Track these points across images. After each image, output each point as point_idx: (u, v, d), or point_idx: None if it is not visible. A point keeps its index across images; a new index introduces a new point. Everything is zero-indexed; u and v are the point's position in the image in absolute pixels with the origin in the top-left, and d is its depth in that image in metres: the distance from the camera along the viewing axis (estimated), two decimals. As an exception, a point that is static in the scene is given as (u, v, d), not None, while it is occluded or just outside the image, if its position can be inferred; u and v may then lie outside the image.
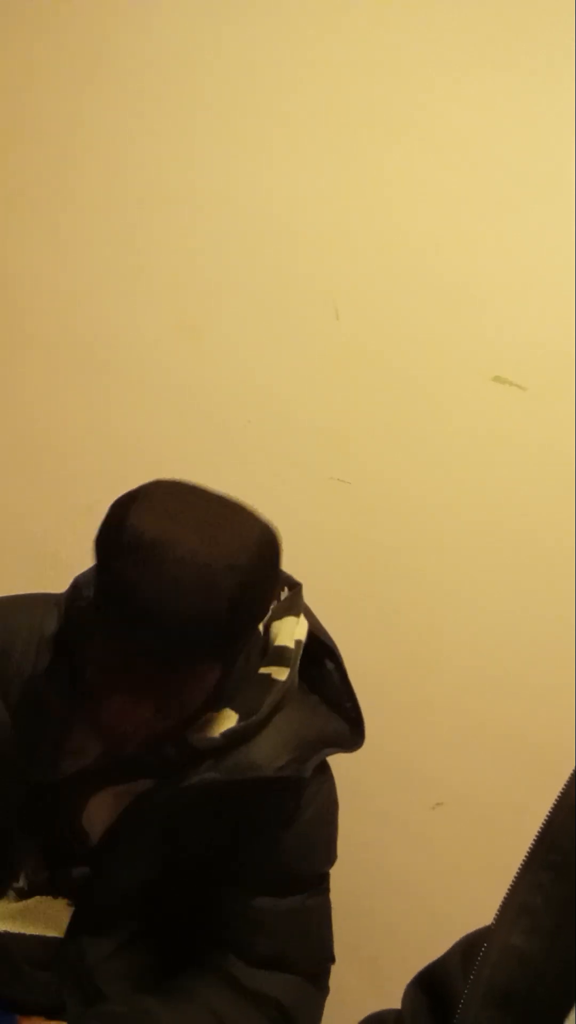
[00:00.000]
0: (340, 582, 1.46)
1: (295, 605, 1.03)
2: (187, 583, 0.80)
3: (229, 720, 0.95)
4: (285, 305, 1.48)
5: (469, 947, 0.65)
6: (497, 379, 1.41)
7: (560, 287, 1.40)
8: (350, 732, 1.03)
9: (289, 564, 1.35)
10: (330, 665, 1.04)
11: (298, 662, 0.99)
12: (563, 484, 1.39)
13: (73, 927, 1.02)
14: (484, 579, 1.42)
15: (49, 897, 1.03)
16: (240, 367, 1.49)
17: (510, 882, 0.54)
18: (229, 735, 0.94)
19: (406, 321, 1.44)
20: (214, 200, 1.50)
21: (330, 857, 1.08)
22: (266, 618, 1.03)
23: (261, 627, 1.02)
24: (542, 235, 1.40)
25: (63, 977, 1.02)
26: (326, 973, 1.07)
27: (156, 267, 1.52)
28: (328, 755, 1.01)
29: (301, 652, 1.00)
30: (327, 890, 1.07)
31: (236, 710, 0.96)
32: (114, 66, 1.53)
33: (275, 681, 0.97)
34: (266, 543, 0.89)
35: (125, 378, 1.53)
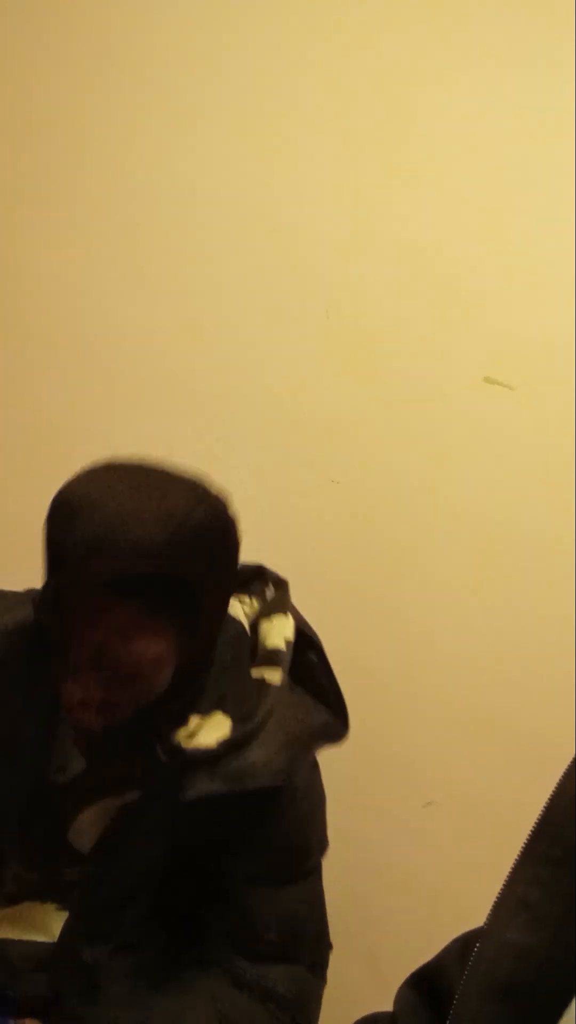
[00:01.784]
0: (333, 581, 1.46)
1: (283, 603, 1.03)
2: (121, 524, 0.81)
3: (222, 726, 0.94)
4: (278, 304, 1.48)
5: (465, 945, 0.65)
6: (488, 379, 1.42)
7: (551, 288, 1.41)
8: (336, 723, 1.03)
9: (282, 563, 1.36)
10: (313, 657, 1.04)
11: (289, 663, 0.98)
12: (554, 483, 1.40)
13: (67, 933, 1.01)
14: (477, 578, 1.43)
15: (37, 902, 1.03)
16: (233, 365, 1.50)
17: (504, 877, 0.54)
18: (226, 744, 0.92)
19: (398, 321, 1.45)
20: (214, 199, 1.50)
21: (322, 845, 1.07)
22: (253, 617, 1.02)
23: (247, 625, 1.01)
24: (534, 236, 1.41)
25: (59, 978, 1.02)
26: (325, 961, 1.08)
27: (155, 266, 1.52)
28: (319, 748, 1.02)
29: (292, 651, 0.99)
30: (320, 877, 1.08)
31: (228, 714, 0.94)
32: (116, 66, 1.53)
33: (268, 685, 0.96)
34: (209, 507, 0.88)
35: (123, 375, 1.53)
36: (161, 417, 1.52)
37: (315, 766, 1.07)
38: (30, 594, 1.01)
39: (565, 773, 0.52)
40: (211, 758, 0.92)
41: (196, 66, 1.50)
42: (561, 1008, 0.46)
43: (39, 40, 1.55)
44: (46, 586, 0.89)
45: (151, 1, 1.51)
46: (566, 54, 1.38)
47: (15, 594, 1.04)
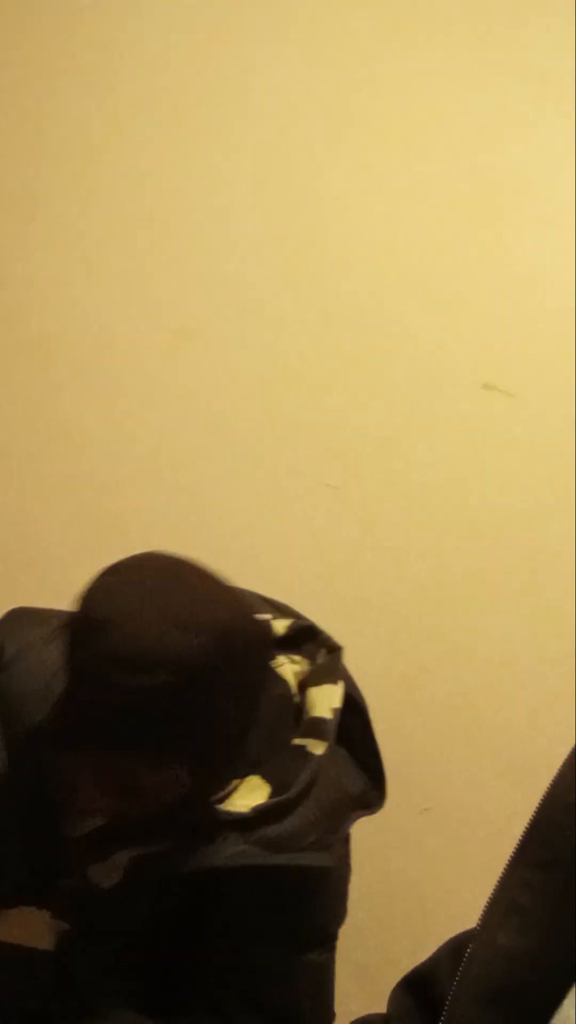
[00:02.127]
0: (330, 588, 1.46)
1: (333, 671, 0.98)
2: (120, 673, 0.78)
3: (259, 791, 0.90)
4: (276, 310, 1.49)
5: (457, 949, 0.65)
6: (487, 386, 1.42)
7: (550, 295, 1.41)
8: (373, 792, 1.00)
9: (279, 569, 1.36)
10: (357, 720, 1.00)
11: (335, 734, 0.95)
12: (553, 488, 1.40)
13: (65, 946, 1.00)
14: (475, 584, 1.43)
15: (32, 908, 1.02)
16: (231, 371, 1.50)
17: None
18: (260, 811, 0.88)
19: (397, 328, 1.45)
20: (213, 206, 1.51)
21: (341, 916, 1.04)
22: (301, 678, 0.99)
23: (296, 689, 0.98)
24: (533, 243, 1.42)
25: (51, 991, 1.01)
26: None
27: (153, 271, 1.52)
28: (355, 820, 0.98)
29: (338, 723, 0.95)
30: (334, 948, 1.04)
31: (267, 779, 0.91)
32: (115, 75, 1.54)
33: (311, 755, 0.92)
34: (229, 638, 0.83)
35: (119, 382, 1.53)
36: (160, 423, 1.52)
37: (347, 841, 1.04)
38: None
39: (555, 777, 0.52)
40: (243, 823, 0.89)
41: (194, 73, 1.51)
42: (551, 1012, 0.46)
43: (41, 52, 1.56)
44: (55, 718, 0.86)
45: (151, 17, 1.52)
46: (566, 63, 1.38)
47: (47, 627, 0.99)
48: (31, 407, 1.56)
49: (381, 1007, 0.73)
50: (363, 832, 1.45)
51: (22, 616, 1.02)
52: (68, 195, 1.55)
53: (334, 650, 1.01)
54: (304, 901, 0.96)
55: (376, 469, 1.46)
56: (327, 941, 1.02)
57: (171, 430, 1.52)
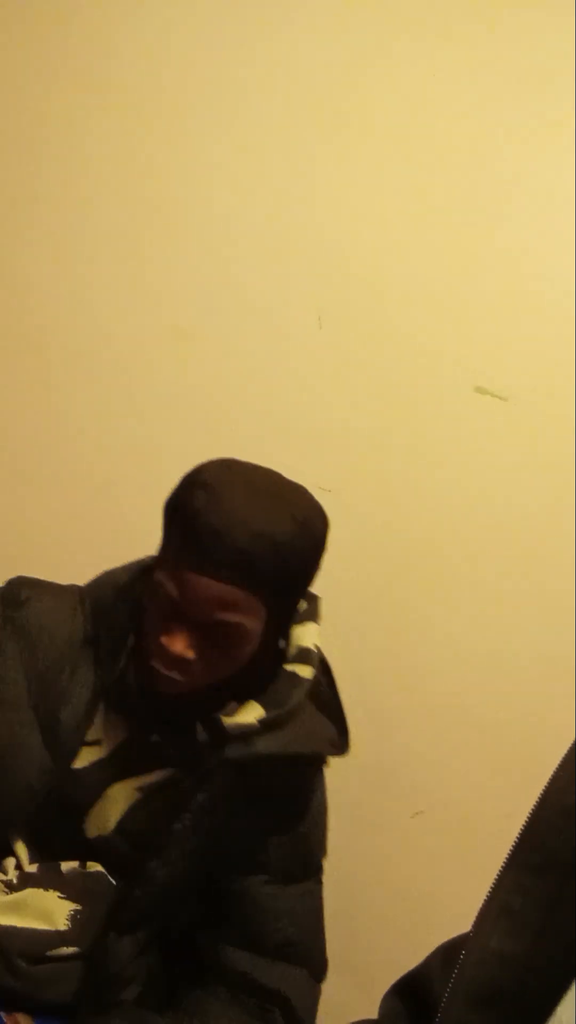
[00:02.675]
0: (323, 591, 1.46)
1: (315, 613, 1.08)
2: (257, 516, 0.91)
3: (255, 710, 1.00)
4: (270, 312, 1.49)
5: (449, 953, 0.65)
6: (479, 390, 1.43)
7: (544, 298, 1.41)
8: (340, 740, 1.08)
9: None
10: (322, 678, 1.08)
11: (319, 662, 1.06)
12: (547, 493, 1.40)
13: (106, 926, 1.03)
14: (470, 587, 1.43)
15: (40, 890, 1.03)
16: (225, 373, 1.50)
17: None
18: (265, 722, 0.99)
19: (390, 331, 1.45)
20: (206, 208, 1.51)
21: (325, 847, 1.14)
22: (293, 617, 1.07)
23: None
24: (528, 245, 1.42)
25: (84, 978, 1.03)
26: (325, 966, 1.12)
27: (148, 273, 1.52)
28: (327, 754, 1.08)
29: (320, 655, 1.06)
30: (321, 882, 1.12)
31: (261, 703, 1.00)
32: (112, 75, 1.54)
33: (301, 678, 1.03)
34: (322, 519, 0.98)
35: (115, 381, 1.53)
36: (153, 425, 1.52)
37: (322, 770, 1.12)
38: (76, 592, 1.08)
39: (550, 780, 0.52)
40: (248, 734, 0.99)
41: (191, 77, 1.51)
42: (543, 1016, 0.46)
43: (41, 49, 1.56)
44: (166, 552, 0.95)
45: (147, 16, 1.52)
46: (566, 65, 1.39)
47: (69, 591, 1.09)
48: (30, 407, 1.56)
49: (374, 1010, 0.73)
50: (357, 835, 1.45)
51: (28, 577, 1.11)
52: (67, 195, 1.55)
53: (313, 599, 1.09)
54: (298, 809, 1.07)
55: (370, 472, 1.46)
56: (318, 869, 1.12)
57: (168, 431, 1.52)
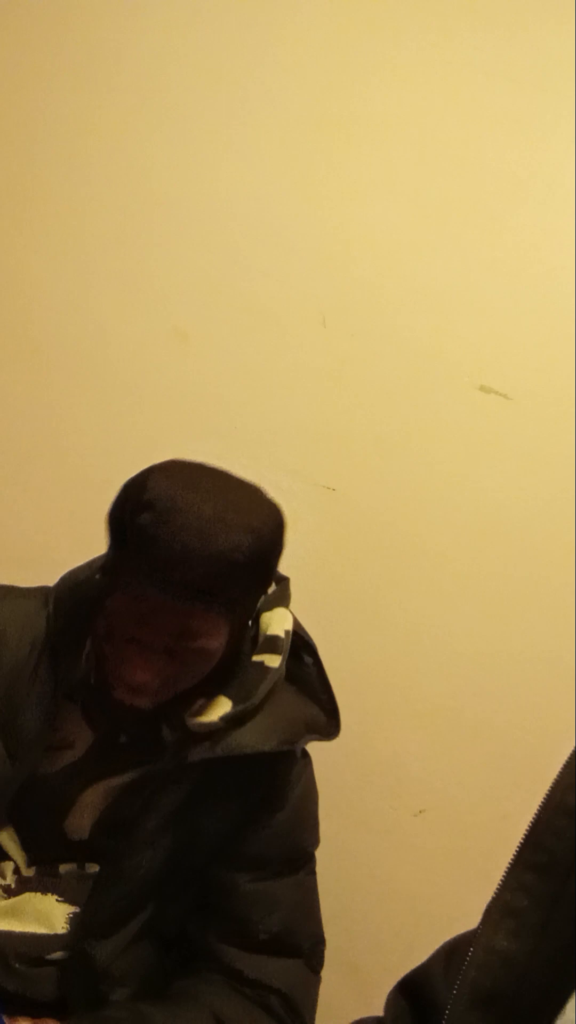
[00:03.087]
0: (326, 589, 1.46)
1: (284, 597, 1.06)
2: (210, 531, 0.86)
3: (224, 706, 0.98)
4: (274, 311, 1.48)
5: (452, 952, 0.65)
6: (483, 388, 1.43)
7: (547, 297, 1.41)
8: (327, 721, 1.06)
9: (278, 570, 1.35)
10: (308, 659, 1.08)
11: (288, 650, 1.03)
12: (550, 491, 1.40)
13: (80, 929, 1.02)
14: (471, 586, 1.43)
15: (38, 894, 1.03)
16: (229, 372, 1.50)
17: (494, 887, 0.54)
18: (228, 718, 0.97)
19: (394, 329, 1.45)
20: (206, 207, 1.51)
21: (316, 837, 1.11)
22: (258, 607, 1.05)
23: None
24: (530, 245, 1.42)
25: (69, 980, 1.02)
26: (321, 956, 1.10)
27: (150, 274, 1.52)
28: (310, 740, 1.05)
29: (290, 641, 1.04)
30: (314, 872, 1.10)
31: (230, 697, 0.99)
32: (110, 75, 1.54)
33: (268, 668, 1.00)
34: (276, 517, 0.95)
35: (116, 382, 1.53)
36: (156, 425, 1.52)
37: (307, 757, 1.11)
38: (42, 593, 1.06)
39: (554, 781, 0.52)
40: (213, 733, 0.97)
41: (189, 76, 1.51)
42: (547, 1015, 0.46)
43: (35, 51, 1.56)
44: (117, 577, 0.92)
45: (144, 15, 1.52)
46: (566, 65, 1.38)
47: (35, 592, 1.07)
48: (30, 408, 1.56)
49: (375, 1009, 0.73)
50: (357, 834, 1.45)
51: None
52: (68, 195, 1.55)
53: (282, 580, 1.08)
54: (275, 806, 1.04)
55: (373, 471, 1.46)
56: (306, 861, 1.09)
57: (169, 431, 1.52)
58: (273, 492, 1.48)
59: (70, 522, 1.51)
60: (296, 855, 1.07)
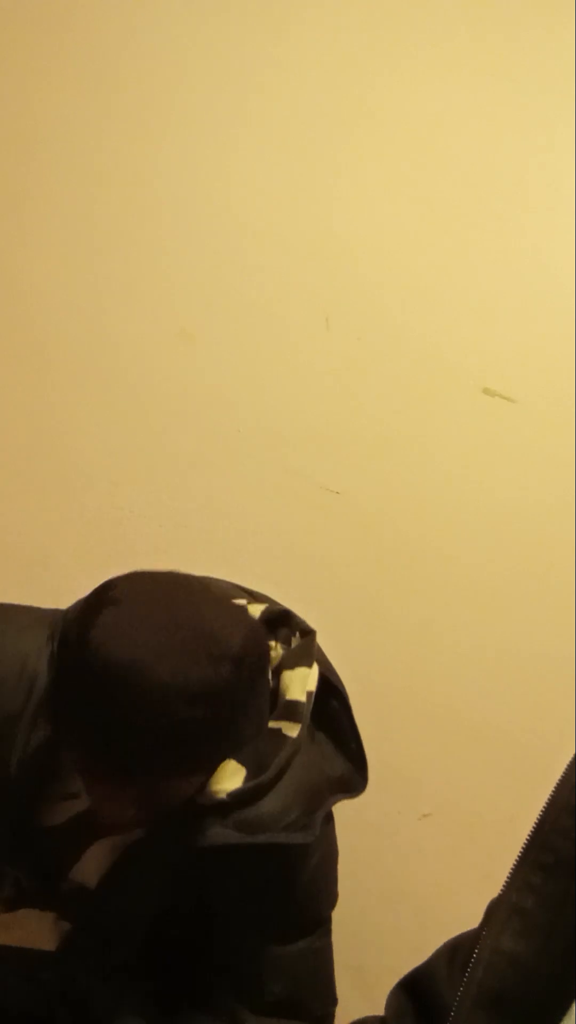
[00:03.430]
0: (329, 592, 1.46)
1: (307, 654, 0.99)
2: (148, 715, 0.79)
3: (236, 775, 0.92)
4: (278, 314, 1.49)
5: (455, 950, 0.65)
6: (486, 391, 1.42)
7: (550, 300, 1.41)
8: (355, 776, 1.01)
9: (281, 574, 1.35)
10: (335, 704, 1.01)
11: (309, 716, 0.96)
12: (553, 494, 1.40)
13: (70, 946, 1.01)
14: (476, 589, 1.43)
15: (36, 910, 1.02)
16: (233, 375, 1.50)
17: (498, 890, 0.54)
18: (236, 795, 0.90)
19: (398, 332, 1.45)
20: (211, 210, 1.51)
21: (332, 900, 1.06)
22: (276, 663, 0.99)
23: (270, 675, 0.98)
24: (534, 247, 1.42)
25: (55, 996, 1.01)
26: (331, 1017, 1.06)
27: (153, 275, 1.52)
28: (335, 803, 0.99)
29: (312, 705, 0.97)
30: (329, 931, 1.06)
31: (243, 763, 0.92)
32: (117, 77, 1.54)
33: (286, 737, 0.94)
34: (245, 660, 0.86)
35: (122, 384, 1.53)
36: (160, 425, 1.52)
37: (330, 820, 1.05)
38: (48, 624, 0.97)
39: (560, 780, 0.52)
40: (221, 807, 0.90)
41: (191, 76, 1.51)
42: (553, 1016, 0.45)
43: (42, 49, 1.56)
44: (65, 730, 0.87)
45: (145, 15, 1.53)
46: (566, 67, 1.39)
47: (39, 621, 0.98)
48: (35, 410, 1.56)
49: (379, 1010, 0.73)
50: (362, 836, 1.45)
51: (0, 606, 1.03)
52: (73, 197, 1.55)
53: (307, 633, 1.01)
54: (288, 882, 0.97)
55: (377, 473, 1.46)
56: (319, 925, 1.03)
57: (171, 433, 1.52)
58: (277, 495, 1.49)
59: (75, 523, 1.51)
60: (308, 920, 1.02)
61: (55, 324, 1.55)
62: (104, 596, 0.85)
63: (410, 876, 1.45)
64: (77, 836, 0.97)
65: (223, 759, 0.90)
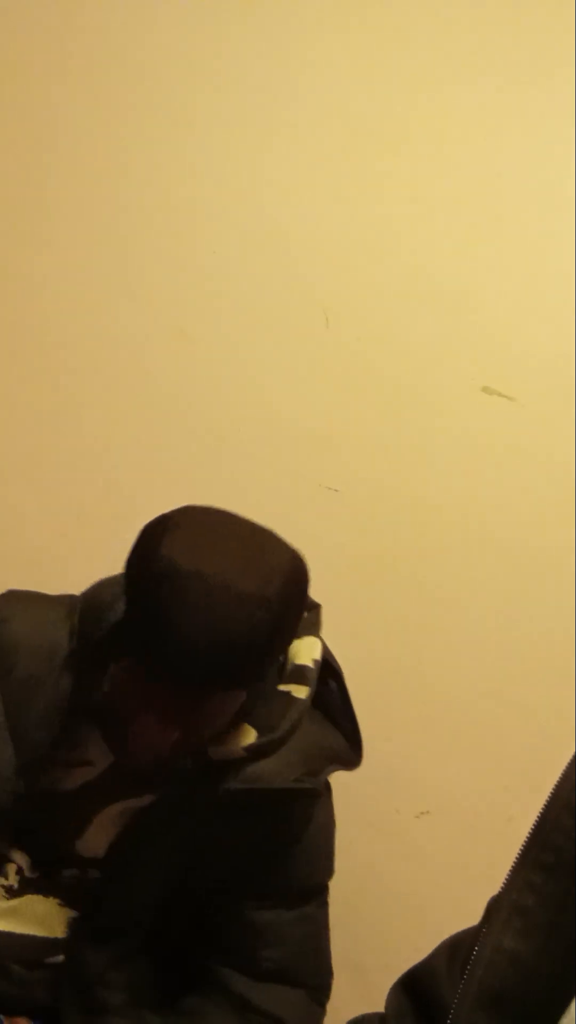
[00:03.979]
0: (329, 591, 1.45)
1: (314, 624, 1.04)
2: (222, 615, 0.82)
3: (247, 735, 0.96)
4: (277, 312, 1.49)
5: (454, 948, 0.65)
6: (486, 390, 1.42)
7: (550, 298, 1.41)
8: (350, 751, 1.05)
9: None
10: (332, 684, 1.05)
11: (316, 681, 1.00)
12: (552, 493, 1.40)
13: (77, 934, 1.02)
14: (474, 589, 1.43)
15: (40, 896, 1.03)
16: (232, 373, 1.50)
17: (497, 888, 0.54)
18: (251, 749, 0.94)
19: (397, 330, 1.45)
20: (209, 207, 1.51)
21: (330, 868, 1.09)
22: None
23: None
24: (533, 245, 1.42)
25: (62, 984, 1.02)
26: (327, 988, 1.08)
27: (152, 274, 1.52)
28: (332, 771, 1.02)
29: (318, 671, 1.01)
30: (326, 903, 1.09)
31: (254, 725, 0.96)
32: (118, 74, 1.54)
33: (295, 699, 0.98)
34: (296, 574, 0.91)
35: (118, 383, 1.53)
36: (159, 424, 1.52)
37: (328, 790, 1.08)
38: (65, 606, 1.02)
39: (560, 778, 0.52)
40: (235, 763, 0.95)
41: (191, 76, 1.51)
42: (553, 1015, 0.46)
43: (44, 49, 1.56)
44: (126, 643, 0.89)
45: (148, 13, 1.52)
46: (566, 67, 1.39)
47: (56, 604, 1.04)
48: (34, 409, 1.56)
49: (376, 1008, 0.73)
50: (361, 835, 1.45)
51: (16, 591, 1.07)
52: (71, 196, 1.55)
53: (313, 607, 1.05)
54: (292, 839, 1.02)
55: (376, 472, 1.46)
56: (317, 893, 1.07)
57: (170, 432, 1.52)
58: (276, 494, 1.49)
59: (75, 523, 1.51)
60: (307, 887, 1.06)
61: (54, 324, 1.55)
62: (166, 522, 0.89)
63: (408, 874, 1.45)
64: (86, 803, 0.99)
65: (263, 678, 0.94)
